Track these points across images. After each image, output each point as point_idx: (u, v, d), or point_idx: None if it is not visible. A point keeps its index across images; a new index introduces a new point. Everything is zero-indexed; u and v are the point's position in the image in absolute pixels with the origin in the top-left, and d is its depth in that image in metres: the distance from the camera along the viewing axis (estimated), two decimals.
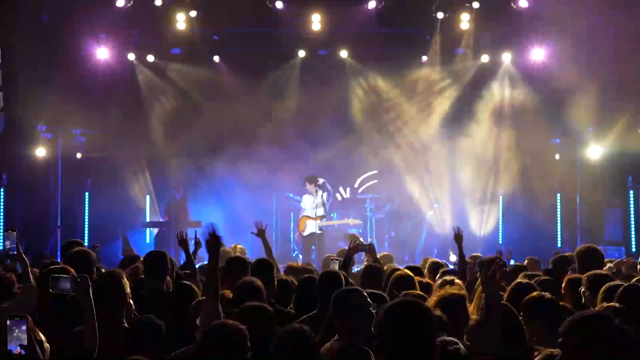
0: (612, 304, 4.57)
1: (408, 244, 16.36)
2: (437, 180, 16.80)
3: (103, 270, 6.47)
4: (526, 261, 8.75)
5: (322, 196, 15.06)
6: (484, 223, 16.50)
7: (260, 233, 8.28)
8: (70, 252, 5.98)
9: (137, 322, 4.63)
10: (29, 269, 5.69)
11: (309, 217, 14.88)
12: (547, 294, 4.72)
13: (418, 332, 2.84)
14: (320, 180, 15.16)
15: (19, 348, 3.54)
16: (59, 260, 7.67)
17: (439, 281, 5.80)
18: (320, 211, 14.97)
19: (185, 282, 5.35)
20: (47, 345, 4.07)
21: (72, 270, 5.01)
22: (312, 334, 4.00)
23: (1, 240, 9.36)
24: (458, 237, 7.59)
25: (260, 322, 4.31)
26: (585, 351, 2.87)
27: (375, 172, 17.34)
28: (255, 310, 4.50)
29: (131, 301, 5.01)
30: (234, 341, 3.58)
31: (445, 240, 16.19)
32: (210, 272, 4.60)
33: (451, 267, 8.04)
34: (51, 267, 5.45)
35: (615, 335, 2.90)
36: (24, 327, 3.53)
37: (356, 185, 17.46)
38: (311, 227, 14.78)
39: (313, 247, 14.90)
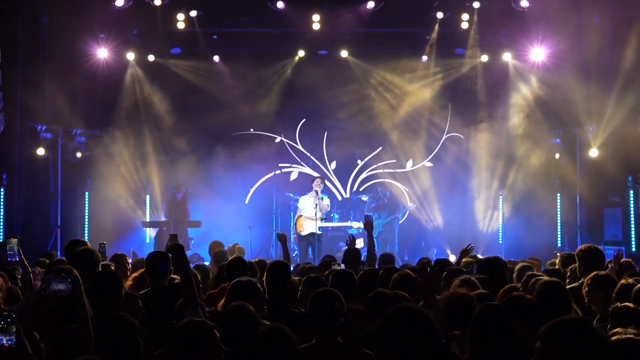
0: (625, 304, 4.53)
1: (382, 241, 15.97)
2: (418, 179, 16.87)
3: (112, 267, 6.48)
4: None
5: (322, 199, 14.97)
6: (492, 221, 16.48)
7: (282, 238, 8.39)
8: (74, 251, 5.96)
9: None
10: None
11: (307, 218, 14.77)
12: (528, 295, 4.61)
13: (420, 338, 2.67)
14: (320, 185, 15.02)
15: (6, 341, 3.51)
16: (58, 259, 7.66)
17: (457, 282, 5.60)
18: (319, 213, 14.91)
19: (177, 281, 5.32)
20: (42, 345, 4.04)
21: (75, 271, 4.98)
22: (291, 333, 3.82)
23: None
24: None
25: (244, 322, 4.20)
26: (561, 356, 2.84)
27: (376, 171, 17.33)
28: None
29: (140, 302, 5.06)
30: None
31: (437, 235, 16.33)
32: (183, 279, 4.54)
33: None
34: (54, 268, 5.43)
35: (593, 340, 2.87)
36: (11, 321, 3.50)
37: (355, 187, 17.43)
38: (310, 227, 14.68)
39: (310, 248, 14.82)
